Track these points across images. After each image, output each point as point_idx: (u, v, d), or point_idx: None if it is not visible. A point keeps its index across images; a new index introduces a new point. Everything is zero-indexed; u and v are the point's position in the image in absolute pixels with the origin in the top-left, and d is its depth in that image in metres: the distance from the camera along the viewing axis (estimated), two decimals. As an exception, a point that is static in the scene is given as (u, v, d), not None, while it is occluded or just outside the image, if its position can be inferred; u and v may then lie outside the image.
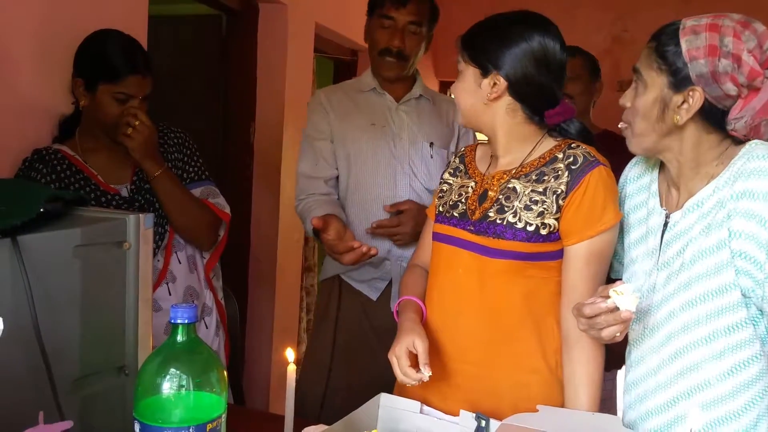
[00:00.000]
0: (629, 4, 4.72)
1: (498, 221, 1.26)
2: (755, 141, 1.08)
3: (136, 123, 1.50)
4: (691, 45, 1.05)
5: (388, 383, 1.31)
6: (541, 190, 1.25)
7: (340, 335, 1.91)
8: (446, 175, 1.44)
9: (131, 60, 1.52)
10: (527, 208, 1.25)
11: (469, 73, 1.29)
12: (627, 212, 1.28)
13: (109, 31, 1.57)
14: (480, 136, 2.35)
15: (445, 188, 1.42)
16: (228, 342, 1.85)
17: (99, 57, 1.52)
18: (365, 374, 1.78)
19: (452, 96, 1.40)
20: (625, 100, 1.17)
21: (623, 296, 1.03)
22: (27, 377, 0.86)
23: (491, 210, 1.28)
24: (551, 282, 1.28)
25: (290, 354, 1.07)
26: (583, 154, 1.24)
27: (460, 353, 1.31)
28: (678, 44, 1.07)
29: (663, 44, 1.09)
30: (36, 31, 1.58)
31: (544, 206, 1.24)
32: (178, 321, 0.82)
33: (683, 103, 1.07)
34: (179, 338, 0.82)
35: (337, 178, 1.89)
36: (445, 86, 5.31)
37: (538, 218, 1.24)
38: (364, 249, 1.49)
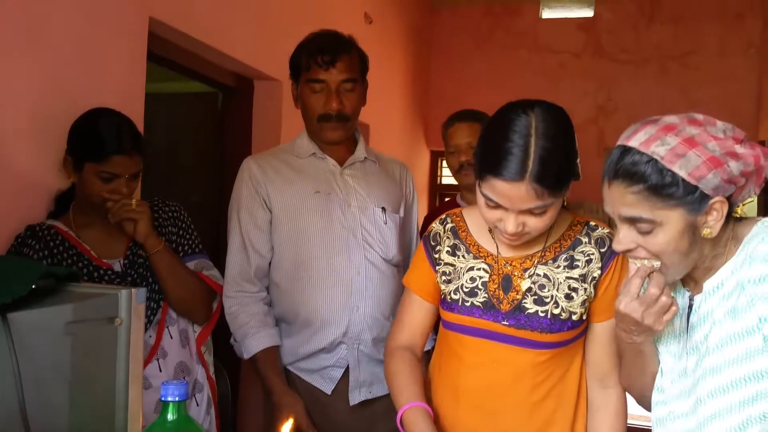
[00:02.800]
0: (611, 74, 4.90)
1: (541, 314, 1.23)
2: (765, 219, 1.08)
3: (133, 203, 1.52)
4: (689, 168, 1.01)
5: None
6: (576, 276, 1.25)
7: None
8: (444, 255, 1.32)
9: (117, 140, 1.52)
10: (568, 297, 1.24)
11: (558, 200, 1.18)
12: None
13: (101, 111, 1.58)
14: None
15: (448, 270, 1.31)
16: (218, 420, 1.79)
17: (85, 136, 1.54)
18: None
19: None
20: (626, 243, 1.08)
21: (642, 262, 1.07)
22: (11, 461, 0.83)
23: (526, 301, 1.24)
24: (577, 357, 1.31)
25: (286, 428, 1.04)
26: (608, 236, 1.28)
27: None
28: (671, 175, 1.01)
29: (654, 183, 1.02)
30: (33, 107, 1.62)
31: (586, 294, 1.25)
32: (169, 399, 0.80)
33: (708, 216, 1.04)
34: (170, 416, 0.80)
35: (270, 264, 1.70)
36: (436, 155, 5.41)
37: (582, 307, 1.25)
38: None
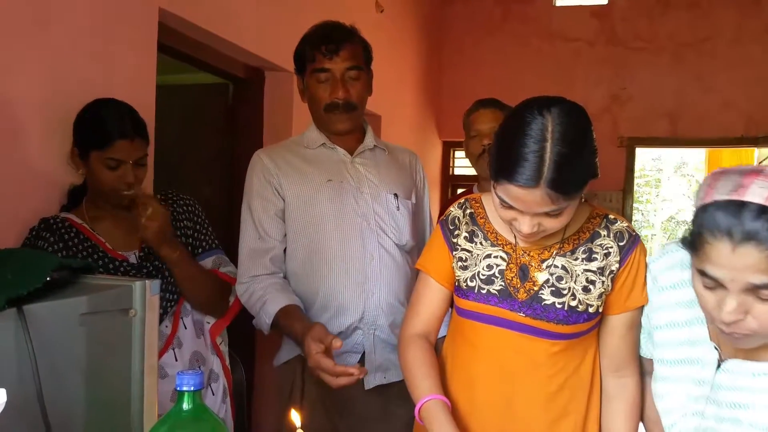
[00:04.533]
0: (625, 62, 4.84)
1: (558, 305, 1.22)
2: None
3: (149, 211, 1.52)
4: None
5: None
6: (594, 269, 1.24)
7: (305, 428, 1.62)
8: (461, 240, 1.32)
9: (117, 125, 1.53)
10: (585, 289, 1.23)
11: (572, 203, 1.16)
12: (661, 324, 1.19)
13: (102, 100, 1.59)
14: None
15: (464, 256, 1.31)
16: (234, 409, 1.80)
17: (87, 125, 1.55)
18: None
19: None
20: (737, 314, 0.97)
21: None
22: (29, 450, 0.84)
23: (543, 292, 1.23)
24: (591, 349, 1.31)
25: (296, 418, 1.04)
26: (627, 230, 1.27)
27: None
28: None
29: None
30: (44, 100, 1.63)
31: (603, 287, 1.24)
32: (184, 388, 0.80)
33: None
34: (185, 406, 0.80)
35: (285, 251, 1.70)
36: (448, 146, 5.39)
37: (599, 300, 1.24)
38: (358, 373, 1.35)
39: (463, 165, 5.35)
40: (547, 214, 1.13)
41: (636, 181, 5.02)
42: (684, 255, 1.09)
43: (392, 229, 1.71)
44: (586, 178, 1.14)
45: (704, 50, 4.72)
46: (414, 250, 1.78)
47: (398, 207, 1.73)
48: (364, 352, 1.67)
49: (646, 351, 1.28)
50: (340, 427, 1.65)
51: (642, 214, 11.93)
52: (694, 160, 11.52)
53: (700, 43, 4.73)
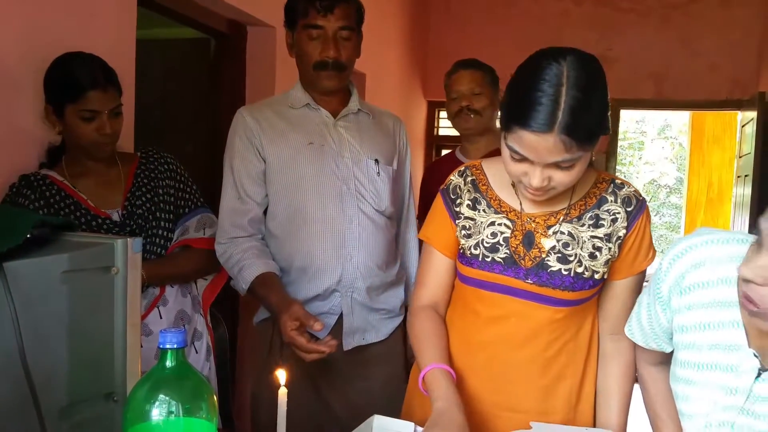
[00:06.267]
0: (612, 23, 4.81)
1: (564, 272, 1.21)
2: None
3: None
4: None
5: None
6: (601, 235, 1.23)
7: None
8: (464, 209, 1.29)
9: (88, 76, 1.52)
10: (592, 256, 1.22)
11: (586, 155, 1.13)
12: (688, 325, 1.09)
13: (69, 54, 1.57)
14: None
15: (467, 225, 1.28)
16: (217, 366, 1.83)
17: (59, 79, 1.54)
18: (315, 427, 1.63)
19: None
20: None
21: None
22: (13, 406, 0.85)
23: (549, 259, 1.22)
24: (590, 314, 1.31)
25: (281, 375, 1.06)
26: (634, 195, 1.25)
27: (512, 403, 1.28)
28: None
29: None
30: (22, 56, 1.59)
31: (610, 253, 1.23)
32: (167, 346, 0.81)
33: None
34: (168, 363, 0.81)
35: (265, 212, 1.70)
36: (433, 106, 5.35)
37: (605, 266, 1.24)
38: (327, 349, 1.42)
39: (448, 126, 5.31)
40: (559, 167, 1.10)
41: (619, 143, 5.03)
42: (713, 251, 1.05)
43: (371, 195, 1.71)
44: (598, 130, 1.11)
45: (692, 12, 4.69)
46: (394, 215, 1.79)
47: (378, 173, 1.73)
48: (341, 314, 1.69)
49: (653, 344, 1.19)
50: (321, 384, 1.68)
51: (624, 176, 12.04)
52: (678, 122, 11.56)
53: (687, 4, 4.70)
